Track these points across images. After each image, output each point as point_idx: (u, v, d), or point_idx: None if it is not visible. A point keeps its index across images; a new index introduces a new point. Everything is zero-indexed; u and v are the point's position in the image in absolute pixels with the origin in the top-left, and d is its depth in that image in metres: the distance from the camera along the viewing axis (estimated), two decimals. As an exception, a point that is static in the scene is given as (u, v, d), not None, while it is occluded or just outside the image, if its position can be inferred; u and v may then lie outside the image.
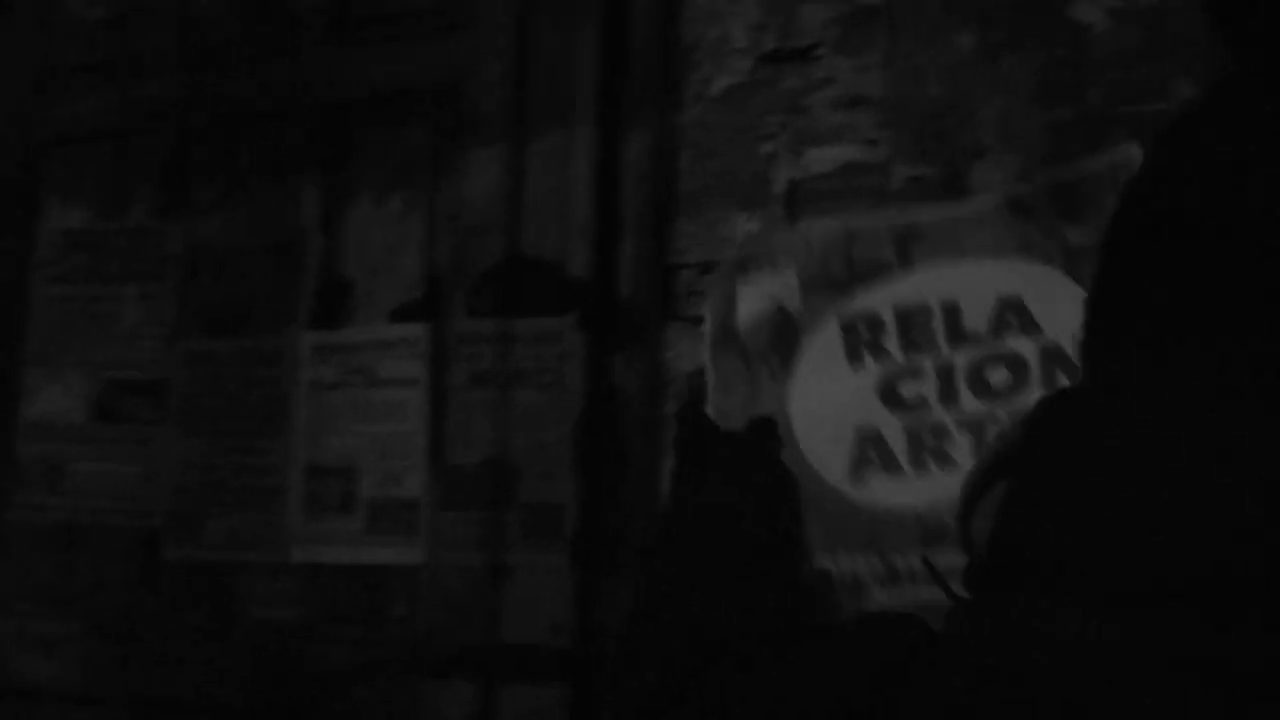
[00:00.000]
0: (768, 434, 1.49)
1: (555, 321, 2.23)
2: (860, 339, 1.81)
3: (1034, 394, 1.64)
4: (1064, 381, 1.63)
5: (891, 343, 1.79)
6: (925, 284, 1.77)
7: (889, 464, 1.75)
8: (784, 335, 1.86)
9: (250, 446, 2.47)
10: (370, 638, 2.30)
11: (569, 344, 2.21)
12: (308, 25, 2.50)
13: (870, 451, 1.77)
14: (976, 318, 1.74)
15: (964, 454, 1.69)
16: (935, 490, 1.71)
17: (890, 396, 1.78)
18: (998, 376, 1.71)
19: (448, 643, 2.24)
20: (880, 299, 1.81)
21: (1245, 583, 0.65)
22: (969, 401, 1.71)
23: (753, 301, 1.90)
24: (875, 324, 1.80)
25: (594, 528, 2.16)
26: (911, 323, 1.78)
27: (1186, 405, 0.70)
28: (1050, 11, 1.90)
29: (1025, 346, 1.69)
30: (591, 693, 2.12)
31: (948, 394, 1.74)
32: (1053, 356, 1.67)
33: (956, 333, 1.75)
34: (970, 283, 1.74)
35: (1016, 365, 1.70)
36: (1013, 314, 1.72)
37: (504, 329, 2.27)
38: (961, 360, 1.73)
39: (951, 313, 1.76)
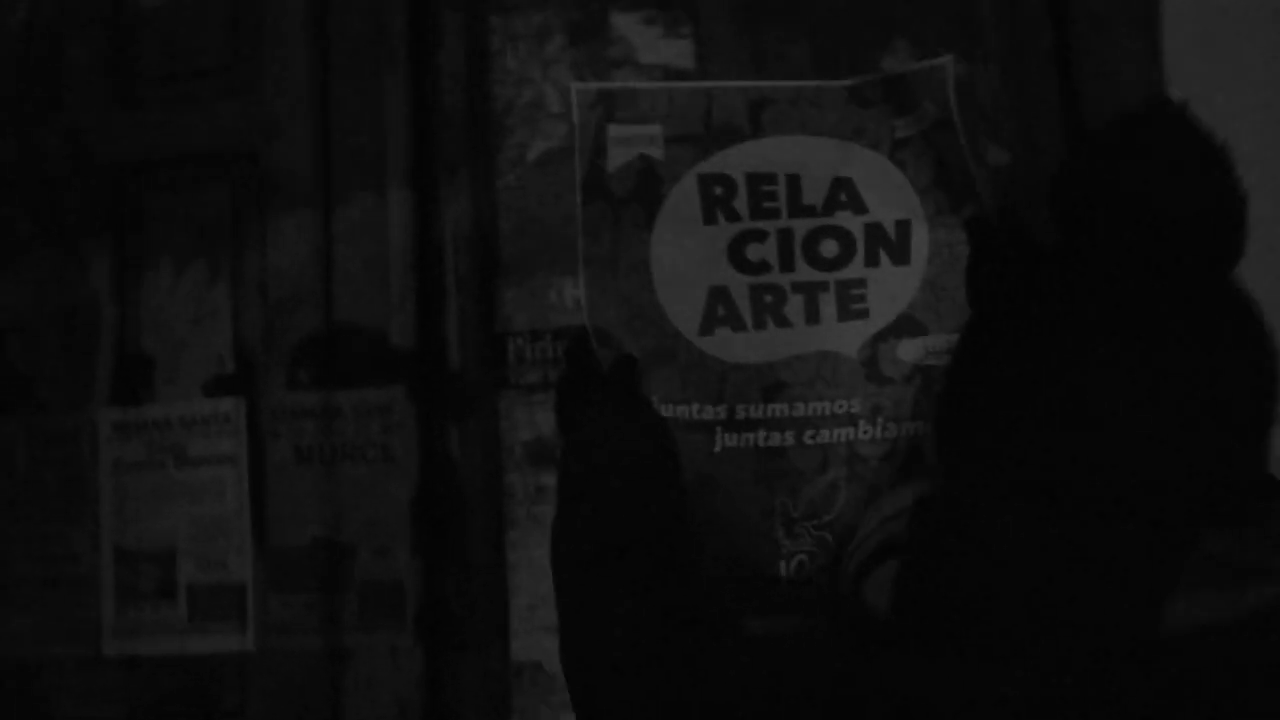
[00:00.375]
0: (633, 374, 1.54)
1: (382, 393, 2.18)
2: (714, 198, 1.83)
3: (858, 264, 1.77)
4: (884, 256, 1.77)
5: (741, 205, 1.82)
6: (773, 153, 1.83)
7: (735, 321, 1.80)
8: (647, 184, 1.84)
9: (49, 533, 2.33)
10: (203, 732, 2.22)
11: (399, 416, 2.17)
12: (88, 85, 2.36)
13: (719, 307, 1.81)
14: (814, 192, 1.81)
15: (798, 316, 1.78)
16: (773, 347, 1.79)
17: (737, 256, 1.82)
18: (828, 248, 1.80)
19: (288, 731, 2.18)
20: (733, 161, 1.83)
21: (1086, 637, 0.81)
22: (803, 268, 1.80)
23: (619, 148, 1.85)
24: (728, 184, 1.83)
25: (438, 604, 2.13)
26: (759, 188, 1.83)
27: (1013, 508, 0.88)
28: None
29: (853, 223, 1.79)
30: (445, 774, 2.11)
31: (786, 260, 1.80)
32: (874, 233, 1.79)
33: (796, 203, 1.82)
34: (812, 159, 1.82)
35: (845, 239, 1.80)
36: (845, 192, 1.81)
37: (327, 401, 2.21)
38: (800, 230, 1.81)
39: (794, 184, 1.82)
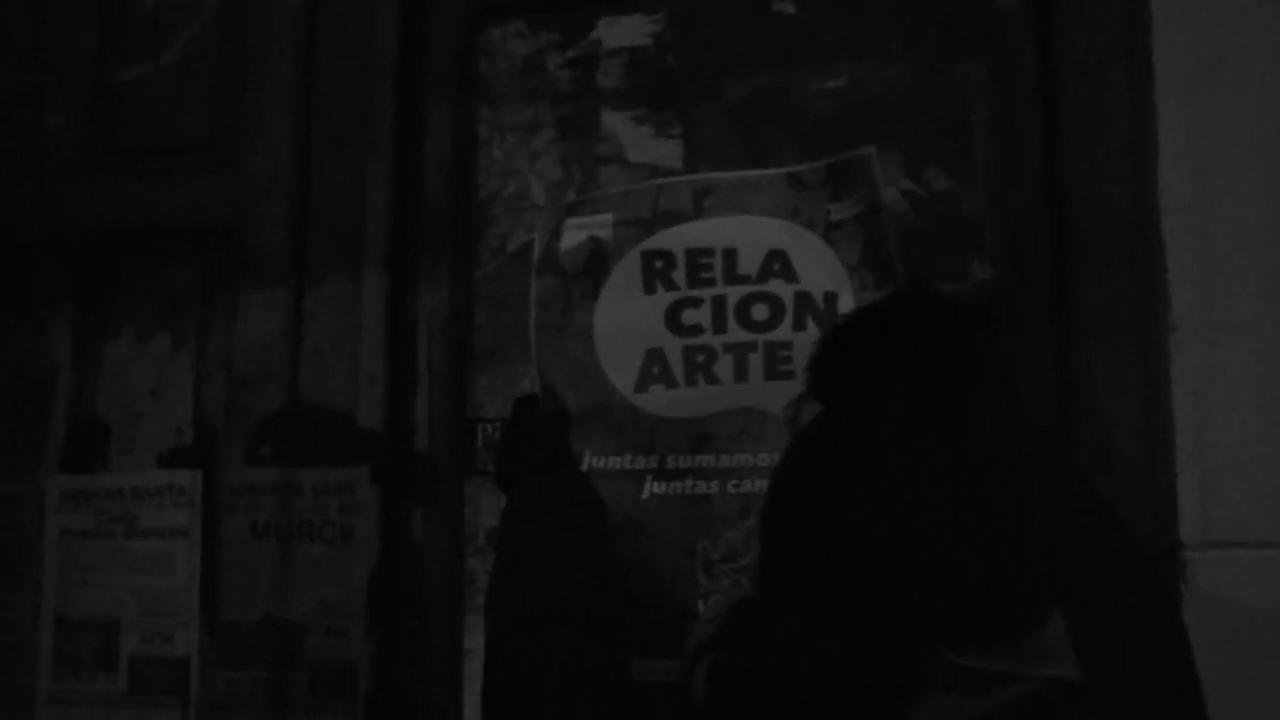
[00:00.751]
0: (564, 428, 1.79)
1: (344, 473, 2.18)
2: (655, 270, 2.10)
3: (786, 327, 2.05)
4: (811, 322, 2.04)
5: (680, 276, 2.09)
6: (712, 231, 2.09)
7: (668, 379, 2.06)
8: (595, 262, 2.11)
9: (-13, 599, 2.28)
10: (137, 810, 2.17)
11: (361, 497, 2.16)
12: (61, 153, 2.35)
13: (654, 367, 2.07)
14: (750, 262, 2.07)
15: (728, 374, 2.04)
16: (704, 403, 2.05)
17: (674, 321, 2.08)
18: (759, 312, 2.05)
19: (226, 812, 2.13)
20: (675, 239, 2.10)
21: None
22: (735, 330, 2.05)
23: (573, 233, 2.13)
24: (669, 259, 2.09)
25: (390, 688, 2.11)
26: (698, 261, 2.08)
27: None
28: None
29: (784, 290, 2.05)
30: None
31: (719, 323, 2.06)
32: (804, 300, 2.05)
33: (732, 273, 2.07)
34: (748, 234, 2.07)
35: (775, 304, 2.05)
36: (778, 262, 2.06)
37: (287, 479, 2.20)
38: (733, 296, 2.06)
39: (730, 256, 2.08)
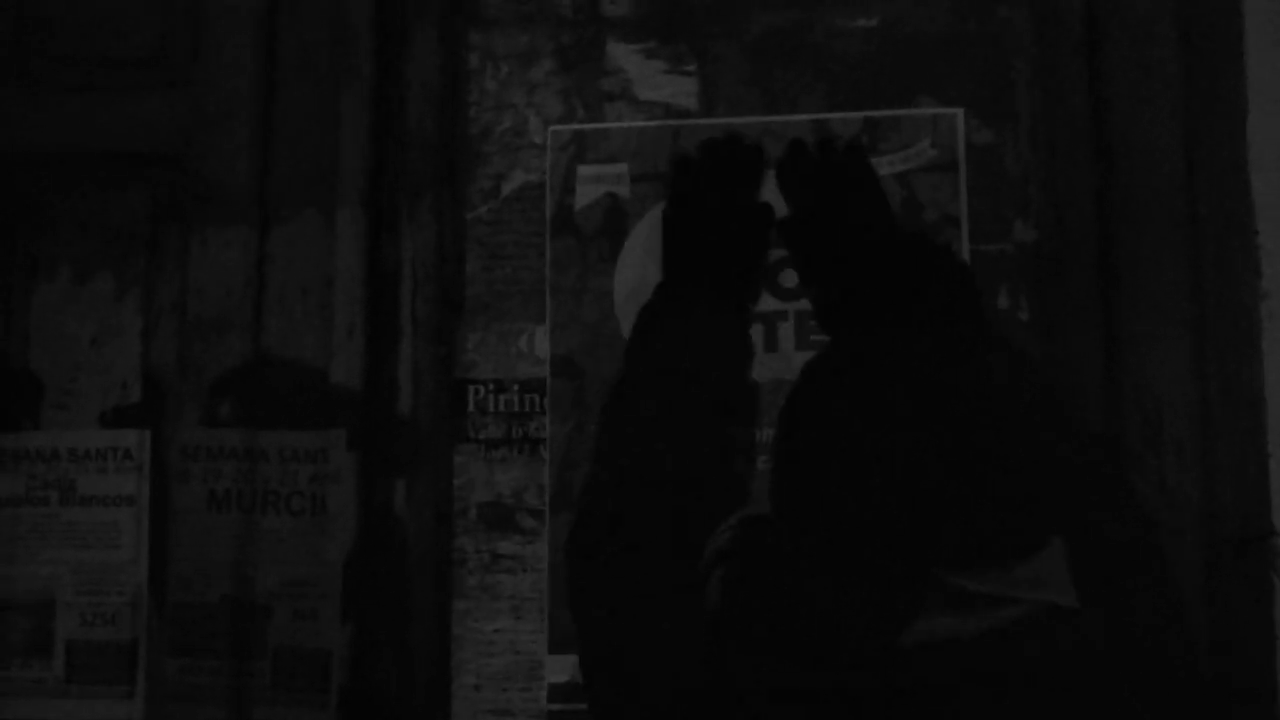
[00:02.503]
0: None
1: (316, 436, 1.95)
2: None
3: None
4: None
5: None
6: None
7: None
8: (613, 221, 1.95)
9: (-103, 572, 2.01)
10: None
11: (335, 464, 1.94)
12: (-12, 63, 2.06)
13: None
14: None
15: (757, 344, 1.89)
16: None
17: None
18: (788, 279, 1.90)
19: (179, 816, 1.90)
20: None
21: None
22: (764, 298, 1.91)
23: (587, 186, 1.96)
24: None
25: (368, 680, 1.90)
26: None
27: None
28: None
29: None
30: None
31: None
32: None
33: None
34: (775, 191, 1.87)
35: None
36: None
37: (249, 442, 1.96)
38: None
39: None
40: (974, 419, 1.08)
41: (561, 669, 1.85)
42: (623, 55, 1.97)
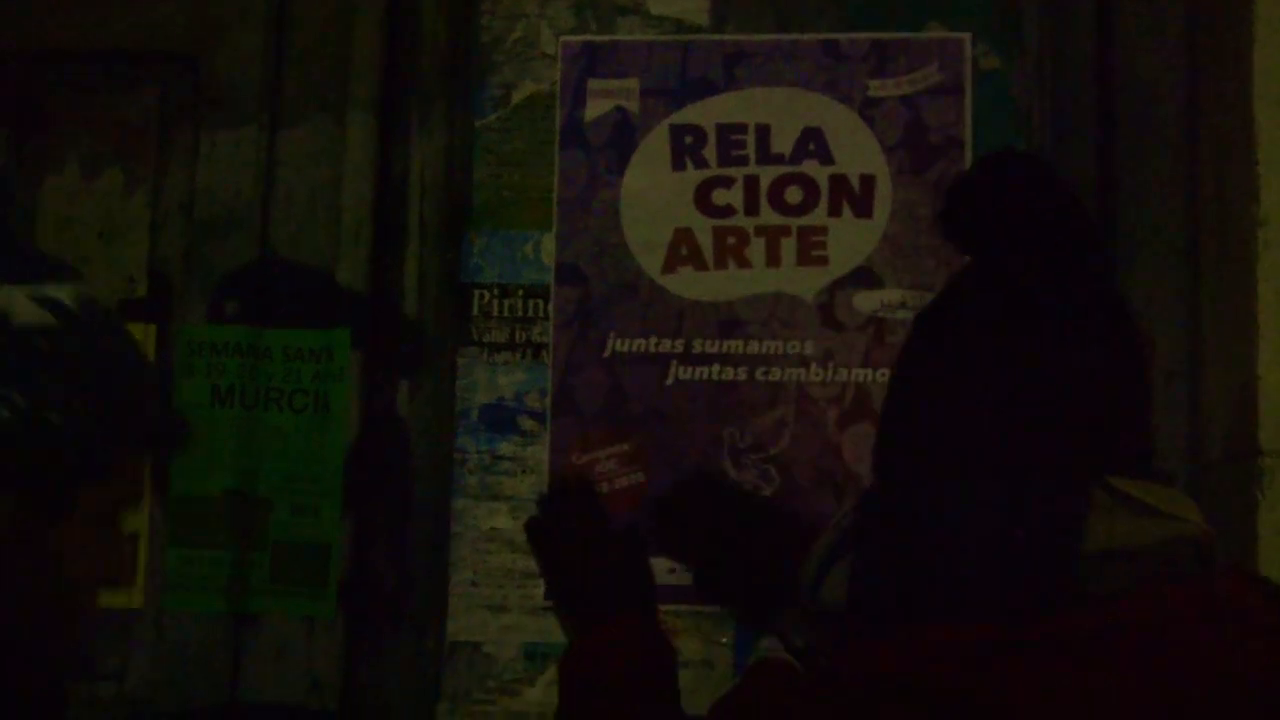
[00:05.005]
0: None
1: (321, 336, 1.97)
2: (685, 146, 1.97)
3: (820, 212, 1.93)
4: (846, 207, 1.94)
5: (710, 153, 1.97)
6: (744, 105, 1.97)
7: (697, 260, 1.94)
8: (621, 134, 1.98)
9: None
10: (76, 695, 1.95)
11: (339, 363, 1.96)
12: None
13: (683, 247, 1.95)
14: (783, 141, 1.96)
15: (759, 258, 1.94)
16: (734, 287, 1.94)
17: (704, 200, 1.96)
18: (793, 194, 1.95)
19: (177, 701, 1.93)
20: (705, 112, 1.98)
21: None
22: (767, 213, 1.94)
23: (597, 100, 1.99)
24: (699, 134, 1.97)
25: (367, 574, 1.93)
26: (729, 138, 1.97)
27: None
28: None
29: (818, 173, 1.95)
30: (359, 759, 1.91)
31: (751, 204, 1.95)
32: (839, 185, 1.95)
33: (765, 152, 1.96)
34: (782, 109, 1.96)
35: (809, 186, 1.95)
36: (813, 142, 1.95)
37: (254, 340, 1.98)
38: (766, 177, 1.95)
39: (763, 133, 1.96)
40: (1110, 341, 1.06)
41: (557, 569, 1.89)
42: (636, -33, 1.99)
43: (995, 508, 0.99)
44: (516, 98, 2.00)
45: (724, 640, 1.89)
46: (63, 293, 0.95)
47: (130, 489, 1.09)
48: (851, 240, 1.93)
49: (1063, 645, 0.94)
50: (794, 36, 1.97)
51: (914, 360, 1.15)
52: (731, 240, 1.94)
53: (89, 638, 1.94)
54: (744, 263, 1.94)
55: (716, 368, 1.92)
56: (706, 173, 1.96)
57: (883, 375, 1.88)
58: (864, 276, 1.92)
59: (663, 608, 1.83)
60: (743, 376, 1.92)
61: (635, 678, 1.25)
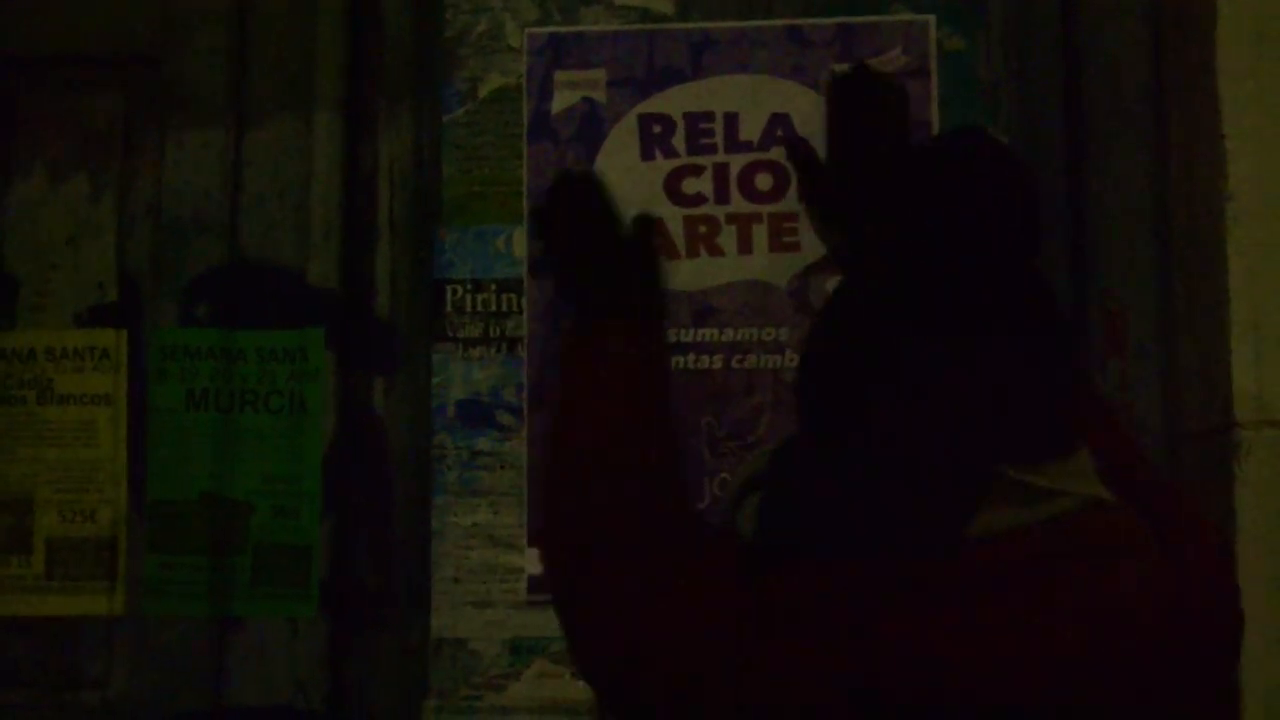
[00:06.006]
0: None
1: (295, 336, 1.96)
2: (653, 136, 1.98)
3: (791, 198, 1.92)
4: None
5: (679, 142, 1.97)
6: (711, 93, 1.98)
7: (669, 250, 1.93)
8: (589, 125, 1.98)
9: (-126, 472, 2.01)
10: (58, 702, 1.95)
11: (314, 363, 1.95)
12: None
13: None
14: (752, 128, 1.96)
15: (731, 245, 1.94)
16: (707, 276, 1.94)
17: (674, 190, 1.97)
18: (763, 181, 1.95)
19: (162, 707, 1.93)
20: (673, 101, 1.98)
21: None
22: (738, 200, 1.95)
23: (564, 92, 1.99)
24: (667, 123, 1.97)
25: (349, 574, 1.93)
26: (697, 126, 1.97)
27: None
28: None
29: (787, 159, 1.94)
30: (346, 758, 1.91)
31: (721, 193, 1.95)
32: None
33: (733, 140, 1.97)
34: (750, 96, 1.96)
35: (779, 173, 1.94)
36: (781, 128, 1.96)
37: (227, 342, 1.97)
38: (735, 164, 1.96)
39: (731, 121, 1.97)
40: (1022, 324, 1.11)
41: (539, 562, 1.89)
42: (599, -43, 1.98)
43: (892, 492, 1.06)
44: (483, 92, 1.99)
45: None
46: None
47: None
48: (822, 225, 1.93)
49: (948, 583, 1.02)
50: (759, 23, 1.97)
51: (832, 327, 1.21)
52: (703, 229, 1.94)
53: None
54: (716, 251, 1.94)
55: (692, 356, 1.92)
56: (676, 161, 1.96)
57: (858, 359, 1.89)
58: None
59: None
60: (718, 364, 1.92)
61: (628, 387, 1.24)
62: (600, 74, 1.99)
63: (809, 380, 1.22)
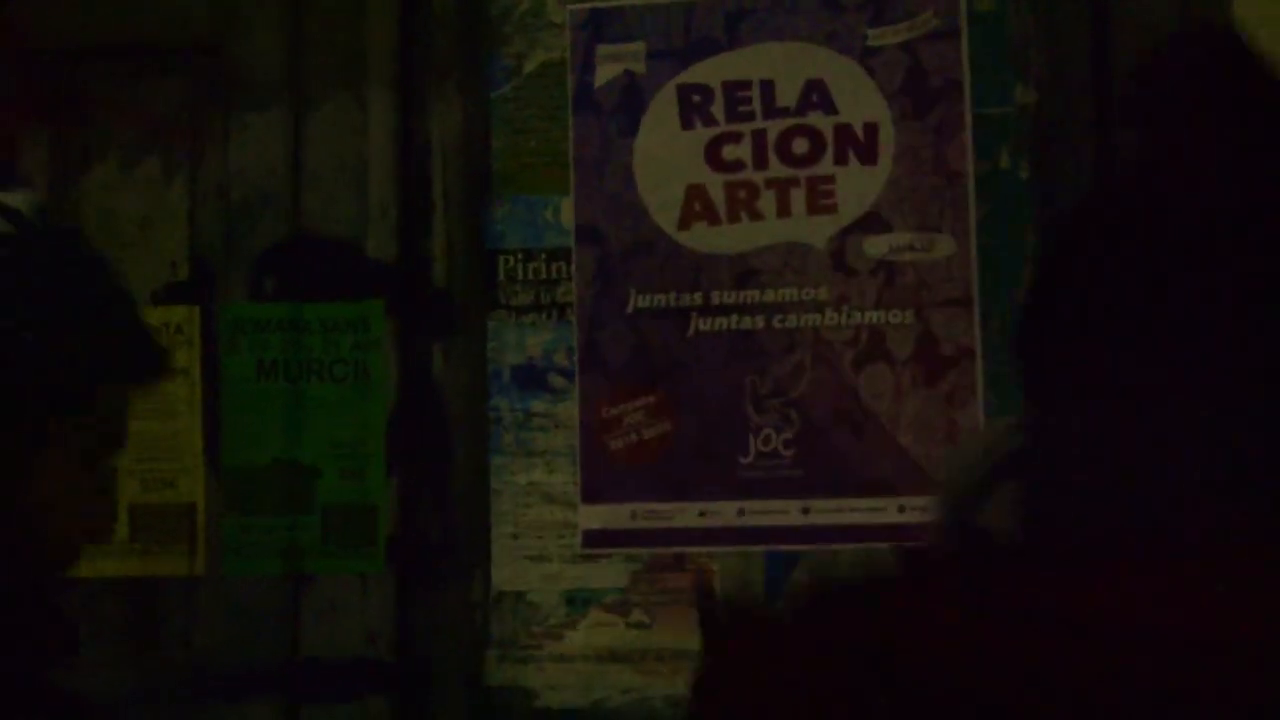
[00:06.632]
0: None
1: (356, 307, 2.06)
2: (692, 105, 2.05)
3: (827, 161, 2.01)
4: (852, 155, 2.01)
5: (718, 110, 2.04)
6: (748, 61, 2.05)
7: (711, 215, 2.02)
8: (630, 96, 2.06)
9: (-32, 445, 2.14)
10: (146, 658, 2.07)
11: (375, 332, 2.05)
12: (30, -40, 2.15)
13: (696, 204, 2.03)
14: (788, 94, 2.04)
15: (770, 209, 2.02)
16: (747, 239, 2.02)
17: (714, 157, 2.04)
18: (799, 145, 2.03)
19: (239, 661, 2.05)
20: (711, 71, 2.05)
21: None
22: (776, 165, 2.02)
23: (606, 65, 2.06)
24: (705, 93, 2.05)
25: (413, 531, 2.03)
26: (735, 94, 2.04)
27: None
28: None
29: (823, 123, 2.03)
30: (416, 705, 2.01)
31: (759, 158, 2.03)
32: (844, 134, 2.02)
33: (770, 106, 2.04)
34: (785, 63, 2.03)
35: (815, 137, 2.02)
36: (816, 93, 2.03)
37: (294, 315, 2.08)
38: (773, 130, 2.03)
39: (768, 88, 2.04)
40: None
41: (593, 518, 1.98)
42: (637, -66, 2.05)
43: (1206, 438, 0.90)
44: (528, 67, 2.07)
45: (756, 579, 1.98)
46: (16, 199, 0.88)
47: (110, 426, 0.98)
48: (858, 187, 2.00)
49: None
50: None
51: (1078, 277, 1.00)
52: (743, 194, 2.01)
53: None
54: (756, 215, 2.01)
55: (735, 318, 2.00)
56: (715, 130, 2.03)
57: (894, 316, 1.96)
58: (872, 222, 1.99)
59: (698, 549, 1.96)
60: (760, 325, 1.99)
61: None
62: (640, 46, 2.06)
63: (1063, 356, 1.02)
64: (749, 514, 1.97)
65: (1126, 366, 0.94)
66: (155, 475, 2.10)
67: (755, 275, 2.00)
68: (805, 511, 1.96)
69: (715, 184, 2.02)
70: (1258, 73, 0.97)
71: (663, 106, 2.05)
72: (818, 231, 1.99)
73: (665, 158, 2.03)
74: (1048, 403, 1.00)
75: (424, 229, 2.07)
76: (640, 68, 2.06)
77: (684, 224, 2.02)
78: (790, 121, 2.01)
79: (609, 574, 1.99)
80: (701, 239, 2.02)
